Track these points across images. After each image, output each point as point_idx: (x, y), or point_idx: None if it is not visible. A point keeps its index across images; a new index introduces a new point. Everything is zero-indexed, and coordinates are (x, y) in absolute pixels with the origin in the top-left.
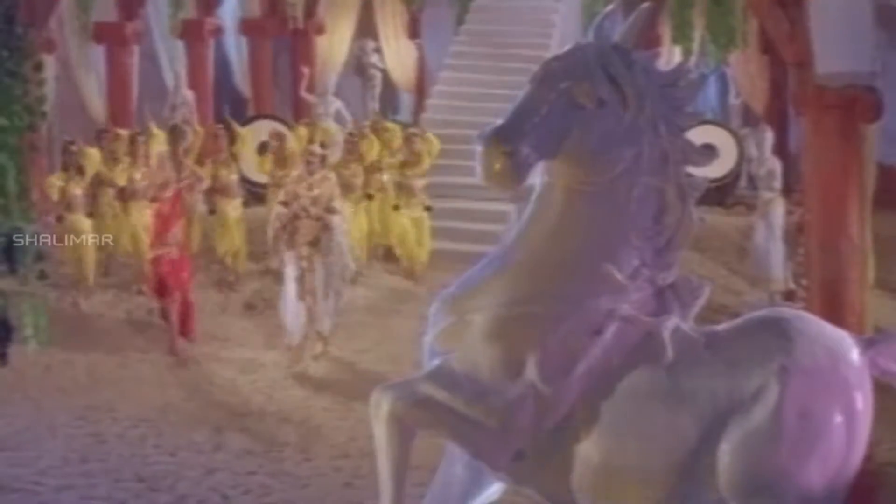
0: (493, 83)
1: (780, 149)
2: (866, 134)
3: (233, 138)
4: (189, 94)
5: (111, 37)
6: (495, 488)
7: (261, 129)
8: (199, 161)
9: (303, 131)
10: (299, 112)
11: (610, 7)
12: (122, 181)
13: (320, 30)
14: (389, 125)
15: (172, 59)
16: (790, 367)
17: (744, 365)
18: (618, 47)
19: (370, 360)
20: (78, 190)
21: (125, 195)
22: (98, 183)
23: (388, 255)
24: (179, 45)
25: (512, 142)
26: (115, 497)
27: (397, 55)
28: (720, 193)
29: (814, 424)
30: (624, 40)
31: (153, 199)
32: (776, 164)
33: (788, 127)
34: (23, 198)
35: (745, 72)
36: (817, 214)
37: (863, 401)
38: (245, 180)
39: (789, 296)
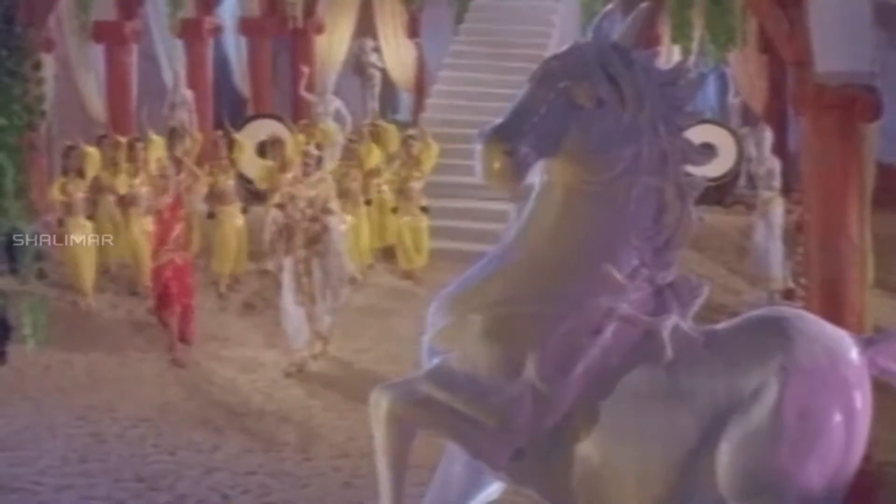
0: (493, 82)
1: (780, 148)
2: (866, 133)
3: (231, 144)
4: (188, 94)
5: (110, 36)
6: (495, 488)
7: (260, 129)
8: (198, 166)
9: (301, 138)
10: (299, 111)
11: (609, 6)
12: (122, 190)
13: (320, 29)
14: (387, 126)
15: (172, 59)
16: (789, 367)
17: (743, 364)
18: (617, 46)
19: (370, 359)
20: (79, 193)
21: (125, 202)
22: (98, 188)
23: (388, 255)
24: (179, 45)
25: (511, 141)
26: (115, 497)
27: (397, 54)
28: (719, 193)
29: (813, 424)
30: (623, 39)
31: (153, 210)
32: (775, 164)
33: (788, 126)
34: (21, 197)
35: (745, 71)
36: (817, 214)
37: (862, 400)
38: (243, 178)
39: (788, 295)
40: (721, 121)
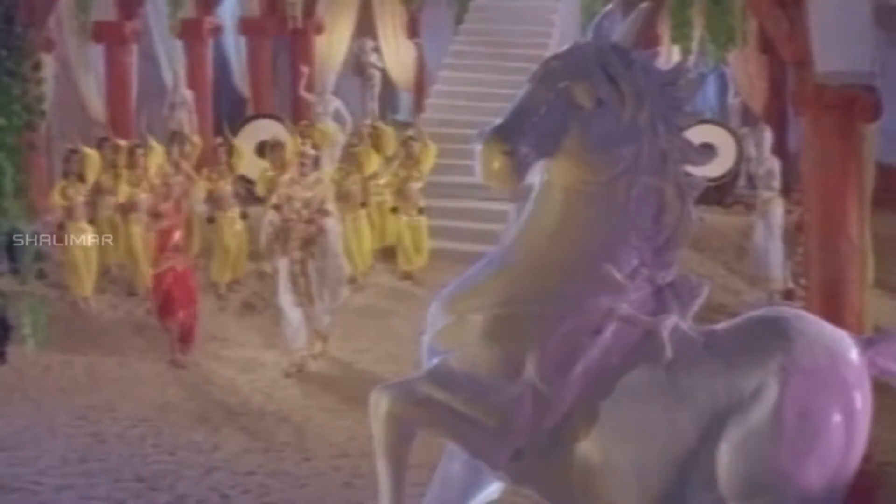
0: (493, 82)
1: (779, 148)
2: (865, 133)
3: (230, 150)
4: (188, 94)
5: (110, 36)
6: (494, 487)
7: (259, 129)
8: (196, 171)
9: (297, 139)
10: (298, 111)
11: (609, 6)
12: (123, 196)
13: (319, 29)
14: (385, 129)
15: (171, 59)
16: (789, 367)
17: (743, 364)
18: (617, 47)
19: (369, 359)
20: (79, 198)
21: (125, 208)
22: (98, 191)
23: (388, 255)
24: (178, 45)
25: (511, 141)
26: (115, 497)
27: (396, 54)
28: (719, 193)
29: (813, 424)
30: (623, 40)
31: (153, 215)
32: (775, 164)
33: (787, 126)
34: (21, 197)
35: (744, 71)
36: (816, 214)
37: (862, 400)
38: (243, 178)
39: (788, 295)
40: (721, 121)
